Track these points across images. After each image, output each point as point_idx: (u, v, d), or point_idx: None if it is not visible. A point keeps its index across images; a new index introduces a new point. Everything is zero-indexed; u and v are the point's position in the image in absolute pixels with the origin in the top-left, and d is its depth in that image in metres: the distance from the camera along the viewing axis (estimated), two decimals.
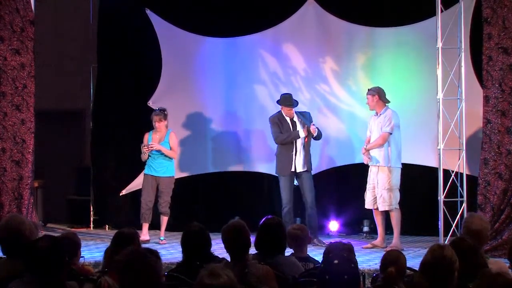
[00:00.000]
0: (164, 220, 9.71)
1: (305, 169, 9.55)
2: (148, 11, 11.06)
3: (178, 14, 11.12)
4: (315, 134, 9.50)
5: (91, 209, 11.54)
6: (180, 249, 5.10)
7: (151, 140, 9.66)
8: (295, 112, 9.64)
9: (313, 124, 9.54)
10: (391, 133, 9.14)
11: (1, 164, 9.65)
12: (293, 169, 9.52)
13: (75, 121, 12.76)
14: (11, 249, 4.58)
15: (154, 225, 10.02)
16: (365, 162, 9.39)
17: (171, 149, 9.70)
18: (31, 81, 9.80)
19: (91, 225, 11.50)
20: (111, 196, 11.28)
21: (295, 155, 9.53)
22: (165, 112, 9.74)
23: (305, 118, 9.64)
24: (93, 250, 8.97)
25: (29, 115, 9.78)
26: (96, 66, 11.51)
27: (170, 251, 8.97)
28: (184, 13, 11.11)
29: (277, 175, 9.76)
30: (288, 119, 9.60)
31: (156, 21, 11.08)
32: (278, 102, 9.70)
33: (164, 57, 11.10)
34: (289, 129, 9.56)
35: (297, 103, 9.72)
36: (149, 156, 9.64)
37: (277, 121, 9.61)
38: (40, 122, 10.19)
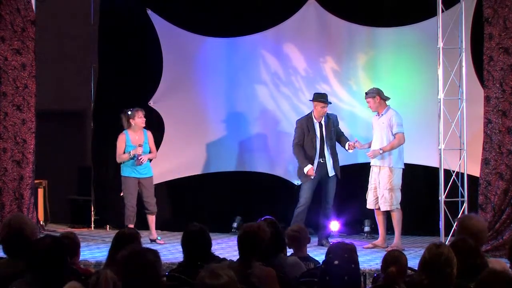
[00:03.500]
0: (154, 219, 9.68)
1: (333, 174, 9.55)
2: (149, 11, 11.06)
3: (179, 14, 11.12)
4: (352, 151, 9.52)
5: (92, 209, 11.53)
6: (181, 249, 5.09)
7: (130, 141, 9.55)
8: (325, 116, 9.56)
9: (357, 141, 9.49)
10: (403, 132, 9.13)
11: (2, 164, 9.65)
12: (322, 176, 9.49)
13: (76, 121, 12.76)
14: (12, 249, 4.58)
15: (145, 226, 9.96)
16: (369, 155, 9.30)
17: (150, 150, 9.67)
18: (32, 81, 9.80)
19: (92, 225, 11.50)
20: (112, 196, 11.26)
21: (325, 162, 9.50)
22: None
23: (330, 121, 9.59)
24: (94, 250, 8.97)
25: (30, 115, 9.78)
26: (97, 66, 11.50)
27: (171, 251, 8.97)
28: (185, 13, 11.10)
29: (299, 179, 9.74)
30: (317, 123, 9.52)
31: (157, 21, 11.08)
32: (312, 99, 9.59)
33: (165, 57, 11.09)
34: (314, 135, 9.49)
35: (330, 103, 9.66)
36: (131, 158, 9.52)
37: (305, 126, 9.51)
38: (41, 122, 10.18)
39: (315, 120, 9.54)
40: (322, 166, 9.52)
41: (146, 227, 9.91)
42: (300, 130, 9.58)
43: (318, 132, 9.52)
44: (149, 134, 9.70)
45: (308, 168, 9.42)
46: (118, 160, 9.66)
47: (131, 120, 9.56)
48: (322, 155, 9.52)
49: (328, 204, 9.59)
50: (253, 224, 5.04)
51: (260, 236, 4.88)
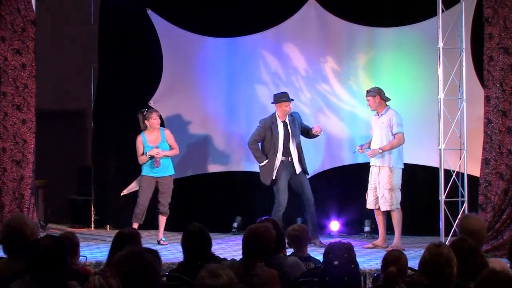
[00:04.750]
0: (164, 220, 9.68)
1: (300, 170, 9.53)
2: (149, 11, 11.06)
3: (179, 14, 11.12)
4: (320, 133, 9.51)
5: (92, 209, 11.53)
6: (181, 249, 5.09)
7: (147, 142, 9.54)
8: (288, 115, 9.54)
9: (318, 126, 9.52)
10: (403, 132, 9.13)
11: (2, 164, 9.65)
12: (274, 177, 9.44)
13: (76, 121, 12.77)
14: (12, 249, 4.58)
15: (154, 226, 9.97)
16: (369, 155, 9.29)
17: (170, 147, 9.66)
18: (32, 81, 9.80)
19: (92, 225, 11.50)
20: (112, 196, 11.27)
21: (292, 160, 9.46)
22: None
23: (294, 119, 9.58)
24: (94, 250, 8.97)
25: (30, 115, 9.77)
26: (97, 66, 11.50)
27: (172, 251, 8.97)
28: (185, 13, 11.11)
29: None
30: (281, 123, 9.48)
31: (157, 21, 11.09)
32: (274, 101, 9.58)
33: (165, 57, 11.10)
34: (277, 135, 9.43)
35: (292, 100, 9.64)
36: (149, 159, 9.54)
37: (268, 126, 9.47)
38: (41, 122, 10.18)
39: (279, 120, 9.49)
40: (289, 165, 9.47)
41: (150, 227, 9.90)
42: (262, 129, 9.52)
43: (282, 132, 9.46)
44: (166, 132, 9.69)
45: (265, 163, 9.43)
46: (139, 162, 9.62)
47: (146, 121, 9.57)
48: (288, 154, 9.46)
49: (309, 200, 9.50)
50: (260, 226, 5.02)
51: (266, 238, 4.86)
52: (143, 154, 9.52)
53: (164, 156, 9.53)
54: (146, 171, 9.60)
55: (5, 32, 9.65)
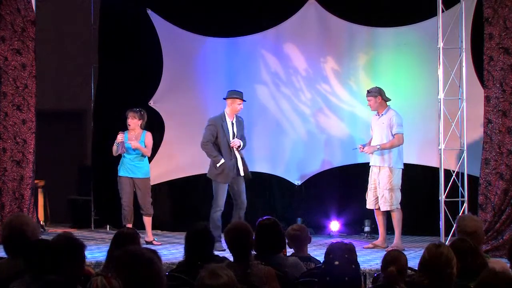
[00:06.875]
0: (150, 220, 9.69)
1: (243, 174, 9.28)
2: (149, 11, 11.06)
3: (179, 14, 11.12)
4: (237, 148, 9.23)
5: (92, 209, 11.53)
6: (181, 249, 5.10)
7: (127, 139, 9.60)
8: (236, 116, 9.34)
9: (233, 141, 9.20)
10: (403, 133, 9.13)
11: (2, 164, 9.65)
12: (234, 176, 9.22)
13: (76, 121, 12.76)
14: (13, 249, 4.58)
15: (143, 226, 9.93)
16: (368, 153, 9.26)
17: (145, 147, 9.67)
18: (32, 81, 9.80)
19: (92, 225, 11.50)
20: (112, 196, 11.25)
21: (236, 162, 9.23)
22: (142, 112, 9.71)
23: (241, 124, 9.40)
24: (94, 251, 8.97)
25: (30, 115, 9.78)
26: (97, 66, 11.51)
27: (171, 250, 8.98)
28: (185, 13, 11.10)
29: (212, 179, 9.29)
30: (229, 122, 9.27)
31: (157, 21, 11.09)
32: (227, 96, 9.36)
33: (165, 57, 11.10)
34: (226, 135, 9.19)
35: (245, 100, 9.47)
36: (124, 156, 9.60)
37: (219, 125, 9.19)
38: (41, 122, 10.19)
39: (228, 119, 9.29)
40: (233, 167, 9.21)
41: (143, 227, 9.91)
42: (213, 127, 9.20)
43: (230, 132, 9.27)
44: (147, 134, 9.72)
45: (222, 162, 9.11)
46: (113, 153, 9.72)
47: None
48: (233, 155, 9.24)
49: (243, 204, 9.21)
50: (236, 225, 5.08)
51: (248, 232, 4.91)
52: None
53: (135, 148, 9.54)
54: (123, 172, 9.69)
55: (5, 32, 9.65)
